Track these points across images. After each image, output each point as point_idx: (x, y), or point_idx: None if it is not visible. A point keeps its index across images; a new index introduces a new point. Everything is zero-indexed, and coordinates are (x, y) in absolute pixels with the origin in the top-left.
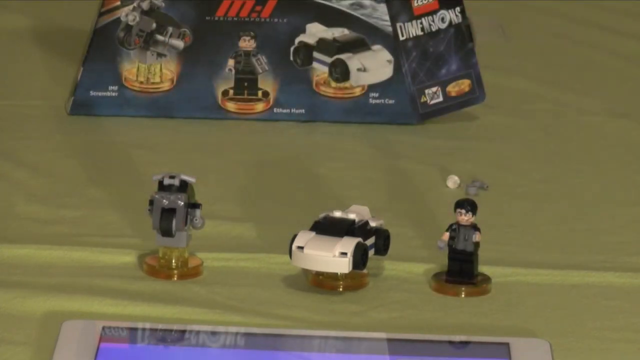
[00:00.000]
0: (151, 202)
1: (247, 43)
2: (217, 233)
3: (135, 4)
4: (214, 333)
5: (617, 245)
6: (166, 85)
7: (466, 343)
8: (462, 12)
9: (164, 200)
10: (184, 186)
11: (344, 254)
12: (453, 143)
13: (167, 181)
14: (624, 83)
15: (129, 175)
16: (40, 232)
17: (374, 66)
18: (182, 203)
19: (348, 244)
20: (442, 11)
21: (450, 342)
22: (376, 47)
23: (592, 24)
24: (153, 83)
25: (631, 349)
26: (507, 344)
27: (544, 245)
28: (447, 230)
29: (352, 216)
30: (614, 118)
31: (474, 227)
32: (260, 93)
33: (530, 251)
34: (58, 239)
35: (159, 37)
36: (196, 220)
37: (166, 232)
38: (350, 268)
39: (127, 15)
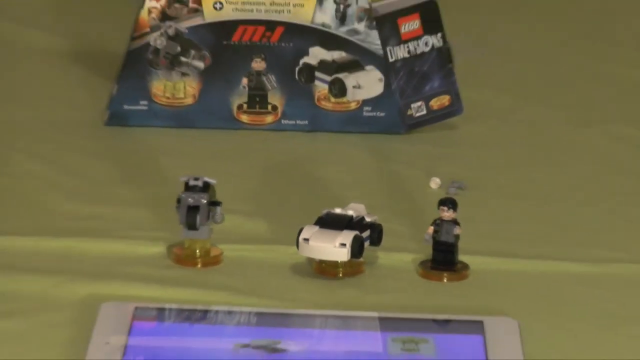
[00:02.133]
0: (178, 201)
1: (258, 64)
2: (234, 227)
3: (162, 30)
4: (230, 312)
5: (580, 239)
6: (189, 100)
7: (447, 321)
8: (443, 37)
9: (190, 199)
10: (206, 187)
11: (343, 244)
12: (436, 150)
13: (192, 182)
14: (588, 96)
15: (157, 177)
16: (80, 227)
17: (367, 84)
18: (205, 201)
19: (347, 237)
20: (426, 36)
21: (434, 320)
22: (369, 67)
23: (560, 44)
24: (177, 98)
25: (589, 327)
26: (481, 322)
27: (516, 238)
28: (431, 225)
29: (350, 212)
30: (578, 127)
31: (455, 222)
32: (269, 107)
33: (504, 243)
34: (96, 232)
35: (183, 59)
36: (217, 216)
37: (191, 226)
38: (349, 257)
39: (156, 40)
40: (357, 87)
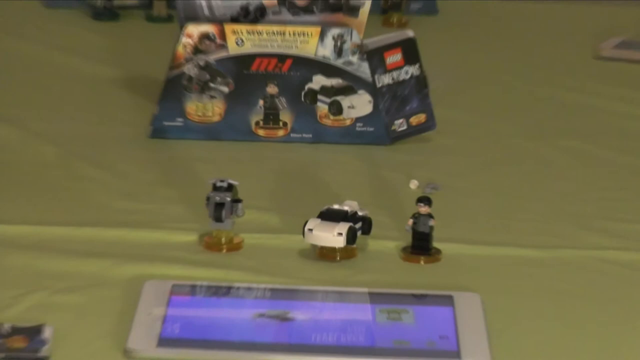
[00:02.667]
0: (207, 199)
1: (272, 89)
2: (252, 219)
3: (194, 62)
4: (249, 288)
5: (532, 229)
6: (216, 118)
7: (424, 295)
8: (420, 67)
9: (216, 197)
10: (230, 187)
11: (340, 234)
12: (414, 158)
13: (218, 184)
14: (537, 114)
15: (190, 180)
16: (129, 220)
17: (359, 105)
18: (229, 199)
19: (343, 227)
20: (406, 67)
21: (413, 295)
22: (361, 91)
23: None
24: (207, 116)
25: (540, 301)
26: (451, 296)
27: (483, 228)
28: (411, 218)
29: (345, 208)
30: (530, 140)
31: (430, 216)
32: (281, 123)
33: (471, 232)
34: (142, 224)
35: (211, 85)
36: (238, 210)
37: (217, 219)
38: (345, 244)
39: (189, 69)
40: (351, 107)
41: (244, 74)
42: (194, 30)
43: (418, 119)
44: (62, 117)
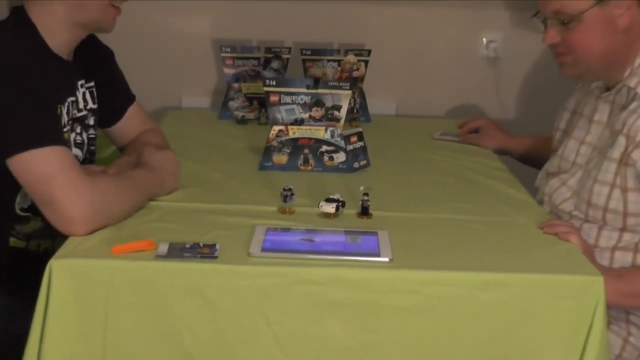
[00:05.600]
0: (281, 192)
1: (306, 151)
2: (298, 202)
3: (277, 140)
4: (297, 228)
5: (443, 203)
6: (284, 161)
7: (365, 231)
8: (364, 143)
9: (284, 192)
10: (289, 189)
11: (333, 207)
12: (362, 178)
13: (286, 188)
14: (419, 160)
15: (276, 187)
16: (247, 204)
17: (339, 157)
18: (289, 192)
19: (333, 204)
20: (359, 142)
21: (361, 231)
22: (340, 152)
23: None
24: (282, 162)
25: (437, 243)
26: (376, 232)
27: (403, 203)
28: (361, 200)
29: (336, 197)
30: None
31: (368, 200)
32: (310, 164)
33: (394, 208)
34: (258, 204)
35: (283, 149)
36: (293, 198)
37: (284, 201)
38: (334, 211)
39: (275, 143)
40: (336, 158)
41: (296, 145)
42: (276, 127)
43: (363, 162)
44: (225, 158)
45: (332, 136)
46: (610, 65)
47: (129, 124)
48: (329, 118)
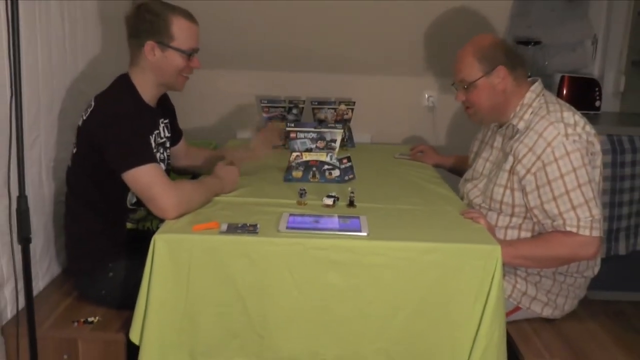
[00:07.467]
0: (298, 192)
1: (314, 170)
2: (309, 198)
3: (295, 162)
4: (309, 214)
5: (402, 198)
6: (299, 175)
7: (351, 216)
8: (352, 164)
9: (300, 191)
10: (303, 190)
11: (332, 201)
12: (350, 184)
13: (301, 188)
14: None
15: (294, 189)
16: (274, 199)
17: (335, 173)
18: (303, 191)
19: (332, 199)
20: (348, 163)
21: (349, 216)
22: (336, 169)
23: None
24: (298, 177)
25: (408, 227)
26: (359, 216)
27: (376, 199)
28: (348, 197)
29: (333, 194)
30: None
31: (353, 195)
32: (317, 178)
33: (370, 202)
34: (284, 198)
35: (299, 168)
36: (305, 196)
37: (301, 196)
38: (333, 204)
39: (293, 163)
40: (333, 173)
41: (308, 165)
42: (294, 154)
43: (351, 176)
44: (262, 172)
45: (331, 159)
46: (498, 113)
47: (179, 148)
48: (329, 147)
